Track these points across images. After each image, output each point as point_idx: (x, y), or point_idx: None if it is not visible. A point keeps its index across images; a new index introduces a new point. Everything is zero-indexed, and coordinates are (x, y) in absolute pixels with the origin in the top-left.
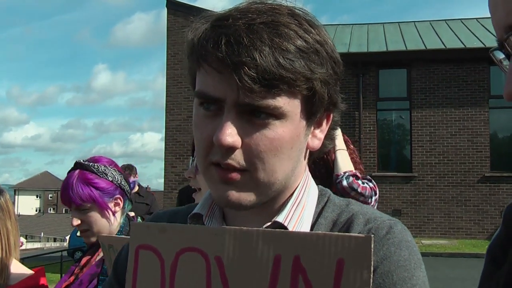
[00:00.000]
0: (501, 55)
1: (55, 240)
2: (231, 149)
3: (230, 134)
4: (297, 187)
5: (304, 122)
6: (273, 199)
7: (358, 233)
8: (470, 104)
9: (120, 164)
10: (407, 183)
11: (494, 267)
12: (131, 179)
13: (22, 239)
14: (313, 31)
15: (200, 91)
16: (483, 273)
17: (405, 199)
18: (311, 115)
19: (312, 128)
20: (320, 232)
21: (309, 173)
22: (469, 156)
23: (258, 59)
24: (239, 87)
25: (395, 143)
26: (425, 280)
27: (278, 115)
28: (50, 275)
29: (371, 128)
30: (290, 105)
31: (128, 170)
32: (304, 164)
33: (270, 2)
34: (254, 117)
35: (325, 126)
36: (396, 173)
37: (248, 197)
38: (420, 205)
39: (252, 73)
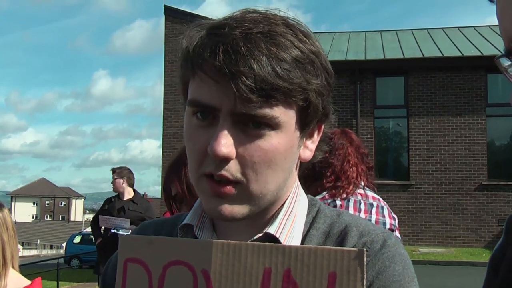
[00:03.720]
0: (507, 62)
1: (51, 247)
2: (225, 159)
3: (226, 145)
4: (287, 197)
5: (298, 133)
6: (264, 210)
7: (353, 246)
8: (467, 112)
9: None
10: (404, 191)
11: (494, 276)
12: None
13: (19, 246)
14: (307, 41)
15: (194, 99)
16: (485, 282)
17: (402, 207)
18: (305, 126)
19: (305, 139)
20: (312, 245)
21: (299, 183)
22: (466, 164)
23: (255, 69)
24: (236, 97)
25: (392, 151)
26: None
27: (273, 125)
28: (47, 282)
29: (368, 136)
30: (285, 115)
31: (118, 170)
32: (295, 175)
33: (264, 11)
34: (249, 127)
35: (316, 137)
36: (393, 181)
37: (241, 210)
38: (417, 213)
39: (250, 83)
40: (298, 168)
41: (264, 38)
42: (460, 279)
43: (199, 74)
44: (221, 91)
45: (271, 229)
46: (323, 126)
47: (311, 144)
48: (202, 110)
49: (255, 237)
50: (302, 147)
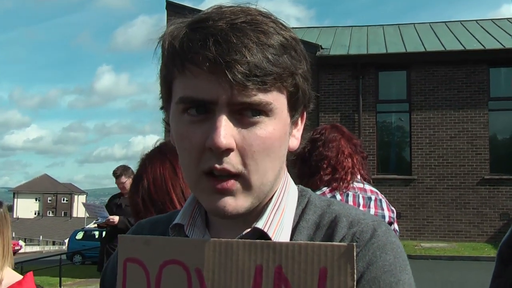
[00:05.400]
0: None
1: (54, 243)
2: (227, 151)
3: (226, 136)
4: (276, 190)
5: (289, 120)
6: None
7: (343, 237)
8: (469, 106)
9: (130, 165)
10: (407, 185)
11: (503, 266)
12: (123, 179)
13: (21, 243)
14: (286, 28)
15: (186, 96)
16: (494, 272)
17: (405, 202)
18: (294, 112)
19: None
20: (302, 241)
21: (288, 174)
22: (468, 159)
23: (248, 56)
24: (233, 86)
25: (394, 145)
26: (411, 281)
27: (268, 111)
28: (49, 278)
29: (371, 130)
30: (278, 101)
31: (125, 171)
32: (285, 165)
33: (236, 5)
34: (245, 116)
35: (300, 125)
36: (395, 176)
37: (244, 204)
38: (419, 208)
39: (245, 70)
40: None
41: (250, 27)
42: (462, 274)
43: (190, 68)
44: (216, 82)
45: (259, 224)
46: (305, 114)
47: (297, 132)
48: (196, 105)
49: (243, 233)
50: (290, 135)
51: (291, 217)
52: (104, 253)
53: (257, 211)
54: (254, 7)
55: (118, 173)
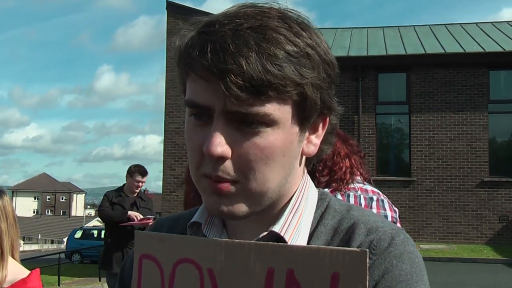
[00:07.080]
0: None
1: (52, 242)
2: (221, 159)
3: (220, 144)
4: (294, 193)
5: (296, 128)
6: (270, 207)
7: (359, 244)
8: (469, 108)
9: (129, 165)
10: (406, 187)
11: None
12: (138, 177)
13: (20, 241)
14: (304, 34)
15: (189, 99)
16: None
17: (404, 204)
18: (304, 120)
19: (307, 133)
20: (314, 245)
21: (308, 177)
22: (468, 161)
23: (244, 66)
24: (226, 96)
25: (394, 147)
26: None
27: (268, 122)
28: (48, 277)
29: (370, 132)
30: (280, 111)
31: (137, 168)
32: (300, 170)
33: (260, 5)
34: (244, 125)
35: (321, 131)
36: (395, 177)
37: (240, 208)
38: (418, 210)
39: (239, 81)
40: (304, 163)
41: (254, 34)
42: (461, 276)
43: (191, 74)
44: (212, 91)
45: (276, 227)
46: (328, 119)
47: (315, 139)
48: (198, 109)
49: (260, 236)
50: (305, 142)
51: (309, 221)
52: (118, 252)
53: (275, 214)
54: (281, 7)
55: (145, 171)
